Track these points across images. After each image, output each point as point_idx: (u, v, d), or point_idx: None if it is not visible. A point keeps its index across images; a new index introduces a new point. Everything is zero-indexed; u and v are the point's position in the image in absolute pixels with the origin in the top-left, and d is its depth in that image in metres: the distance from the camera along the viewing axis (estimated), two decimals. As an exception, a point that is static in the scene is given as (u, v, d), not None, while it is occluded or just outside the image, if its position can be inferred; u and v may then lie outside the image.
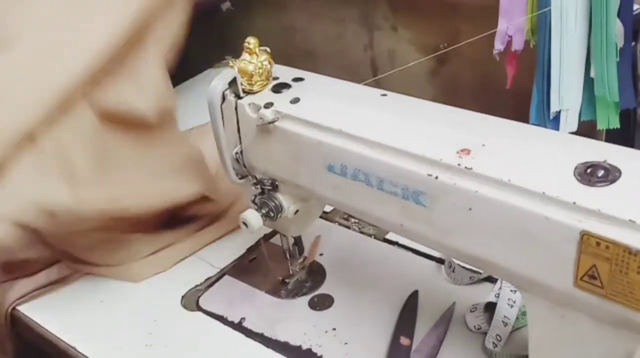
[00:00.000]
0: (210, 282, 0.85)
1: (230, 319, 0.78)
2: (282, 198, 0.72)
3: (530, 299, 0.54)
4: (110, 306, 0.82)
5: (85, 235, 0.80)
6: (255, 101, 0.68)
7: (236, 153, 0.72)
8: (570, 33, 0.79)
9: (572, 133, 0.83)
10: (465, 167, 0.52)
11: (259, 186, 0.73)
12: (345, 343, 0.73)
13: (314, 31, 1.25)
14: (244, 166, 0.73)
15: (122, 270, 0.86)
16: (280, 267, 0.83)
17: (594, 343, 0.51)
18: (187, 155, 0.86)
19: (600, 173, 0.48)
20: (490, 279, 0.78)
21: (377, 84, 0.73)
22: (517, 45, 0.85)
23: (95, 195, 0.77)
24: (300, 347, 0.73)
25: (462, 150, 0.53)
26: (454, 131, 0.57)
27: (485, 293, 0.76)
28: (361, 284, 0.81)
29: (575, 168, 0.49)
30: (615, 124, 0.82)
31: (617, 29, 0.77)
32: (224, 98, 0.69)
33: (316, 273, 0.84)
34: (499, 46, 0.86)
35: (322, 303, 0.79)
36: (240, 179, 0.75)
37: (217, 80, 0.69)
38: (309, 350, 0.73)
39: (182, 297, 0.83)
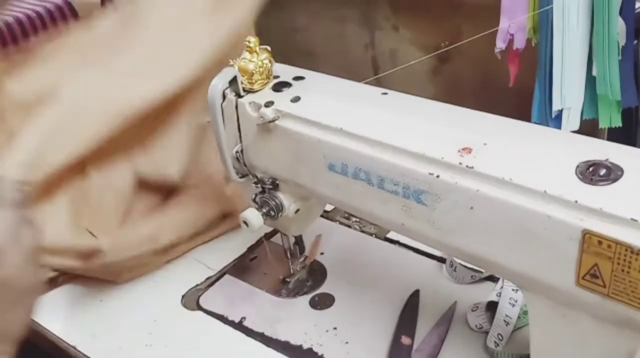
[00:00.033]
0: (211, 282, 0.85)
1: (230, 318, 0.78)
2: (282, 197, 0.72)
3: (532, 298, 0.54)
4: (111, 306, 0.82)
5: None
6: (255, 100, 0.67)
7: (237, 152, 0.72)
8: (572, 31, 0.79)
9: (574, 131, 0.82)
10: (467, 166, 0.52)
11: (259, 185, 0.72)
12: (346, 343, 0.73)
13: (314, 31, 1.24)
14: (245, 165, 0.72)
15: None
16: (281, 266, 0.83)
17: (595, 342, 0.51)
18: (208, 183, 0.90)
19: (602, 172, 0.48)
20: (492, 278, 0.78)
21: (378, 83, 0.73)
22: (519, 43, 0.85)
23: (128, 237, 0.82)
24: (301, 346, 0.73)
25: (463, 149, 0.53)
26: (455, 130, 0.57)
27: (486, 292, 0.76)
28: (362, 283, 0.81)
29: (577, 167, 0.49)
30: (617, 122, 0.82)
31: (619, 27, 0.77)
32: (224, 97, 0.69)
33: (317, 273, 0.84)
34: (500, 45, 0.86)
35: (323, 302, 0.79)
36: (240, 177, 0.75)
37: (217, 79, 0.69)
38: (310, 349, 0.73)
39: (183, 296, 0.83)
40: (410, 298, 0.77)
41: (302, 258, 0.83)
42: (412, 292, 0.78)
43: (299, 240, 0.81)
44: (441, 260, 0.82)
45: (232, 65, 0.68)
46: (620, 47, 0.76)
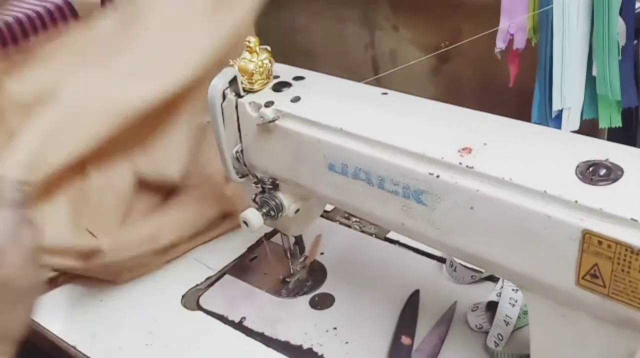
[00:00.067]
0: (211, 281, 0.85)
1: (230, 318, 0.78)
2: (282, 197, 0.72)
3: (532, 298, 0.54)
4: (111, 306, 0.82)
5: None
6: (255, 100, 0.67)
7: (237, 152, 0.72)
8: (572, 31, 0.79)
9: (574, 131, 0.82)
10: (467, 166, 0.52)
11: (259, 185, 0.72)
12: (346, 343, 0.73)
13: (315, 31, 1.24)
14: (245, 165, 0.72)
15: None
16: (281, 266, 0.83)
17: (595, 342, 0.51)
18: (208, 183, 0.90)
19: (602, 172, 0.48)
20: (492, 278, 0.78)
21: (378, 84, 0.73)
22: (519, 43, 0.85)
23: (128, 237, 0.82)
24: (301, 346, 0.73)
25: (463, 149, 0.53)
26: (455, 130, 0.57)
27: (486, 292, 0.76)
28: (362, 283, 0.81)
29: (577, 167, 0.49)
30: (617, 122, 0.82)
31: (619, 27, 0.77)
32: (224, 97, 0.69)
33: (317, 273, 0.84)
34: (500, 45, 0.86)
35: (322, 302, 0.79)
36: (240, 177, 0.75)
37: (217, 79, 0.69)
38: (310, 349, 0.73)
39: (183, 296, 0.83)
40: (410, 298, 0.77)
41: (302, 258, 0.83)
42: (412, 292, 0.78)
43: (299, 240, 0.81)
44: (441, 260, 0.82)
45: (232, 65, 0.68)
46: (620, 47, 0.76)
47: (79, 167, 0.82)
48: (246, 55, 0.68)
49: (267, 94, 0.68)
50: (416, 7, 1.07)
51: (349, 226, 0.92)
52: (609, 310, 0.47)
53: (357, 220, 0.92)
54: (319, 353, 0.72)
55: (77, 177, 0.82)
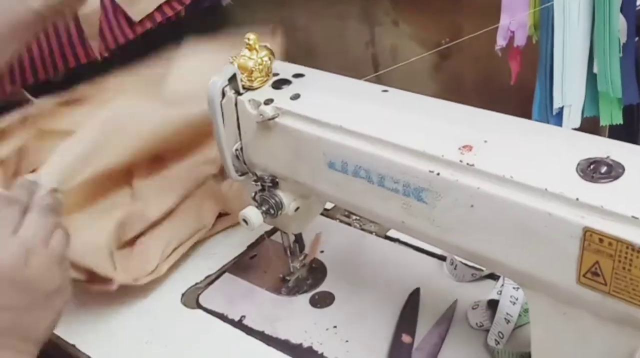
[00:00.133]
0: (211, 280, 0.85)
1: (230, 317, 0.78)
2: (282, 195, 0.72)
3: (533, 296, 0.54)
4: (110, 304, 0.82)
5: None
6: (255, 97, 0.67)
7: (236, 150, 0.71)
8: (573, 28, 0.79)
9: (575, 129, 0.82)
10: (467, 164, 0.52)
11: (259, 183, 0.72)
12: (347, 341, 0.73)
13: (315, 28, 1.24)
14: (244, 163, 0.72)
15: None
16: (281, 264, 0.83)
17: (596, 340, 0.50)
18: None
19: (603, 169, 0.47)
20: (493, 276, 0.78)
21: (378, 80, 0.72)
22: (520, 40, 0.85)
23: None
24: (301, 344, 0.73)
25: (463, 147, 0.53)
26: (456, 127, 0.56)
27: (487, 290, 0.76)
28: (362, 282, 0.81)
29: (578, 164, 0.48)
30: (619, 119, 0.81)
31: (620, 24, 0.76)
32: (223, 94, 0.69)
33: (317, 271, 0.84)
34: (501, 42, 0.85)
35: (323, 300, 0.79)
36: (240, 175, 0.74)
37: (216, 76, 0.68)
38: (310, 347, 0.72)
39: (182, 294, 0.83)
40: (410, 297, 0.77)
41: (302, 257, 0.83)
42: (413, 290, 0.78)
43: (298, 239, 0.81)
44: (442, 258, 0.82)
45: (232, 63, 0.68)
46: (621, 44, 0.76)
47: (129, 192, 0.84)
48: (245, 52, 0.67)
49: (266, 91, 0.68)
50: (416, 2, 1.07)
51: (349, 224, 0.92)
52: (609, 308, 0.47)
53: (357, 218, 0.92)
54: (319, 352, 0.72)
55: (126, 201, 0.83)
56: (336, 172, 0.62)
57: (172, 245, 0.85)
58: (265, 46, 0.68)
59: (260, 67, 0.67)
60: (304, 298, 0.80)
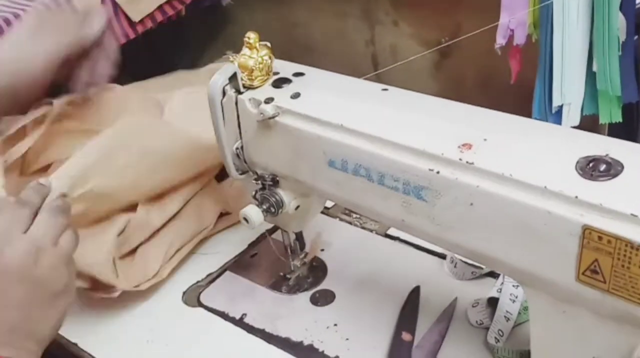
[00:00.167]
0: (212, 278, 0.85)
1: (231, 315, 0.78)
2: (283, 193, 0.72)
3: (532, 294, 0.54)
4: (112, 303, 0.82)
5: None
6: (255, 96, 0.67)
7: (237, 148, 0.72)
8: (573, 27, 0.79)
9: (575, 127, 0.82)
10: (467, 162, 0.52)
11: (259, 182, 0.72)
12: (347, 339, 0.73)
13: (314, 26, 1.24)
14: (245, 161, 0.72)
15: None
16: (282, 262, 0.83)
17: (596, 338, 0.51)
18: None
19: (602, 167, 0.47)
20: (493, 274, 0.78)
21: (378, 80, 0.72)
22: (519, 39, 0.85)
23: None
24: (301, 342, 0.73)
25: (463, 145, 0.53)
26: (455, 126, 0.56)
27: (487, 288, 0.76)
28: (363, 280, 0.81)
29: (577, 162, 0.49)
30: (618, 118, 0.81)
31: (620, 22, 0.76)
32: (224, 93, 0.69)
33: (317, 269, 0.84)
34: (500, 40, 0.85)
35: (323, 298, 0.79)
36: (240, 174, 0.75)
37: (217, 75, 0.69)
38: (311, 345, 0.73)
39: (184, 293, 0.83)
40: (410, 295, 0.77)
41: (303, 255, 0.83)
42: (413, 288, 0.78)
43: (299, 237, 0.81)
44: (442, 256, 0.82)
45: (232, 62, 0.68)
46: (621, 42, 0.76)
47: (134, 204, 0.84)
48: (246, 51, 0.68)
49: (267, 90, 0.68)
50: (416, 1, 1.07)
51: (350, 222, 0.92)
52: (609, 306, 0.47)
53: (358, 216, 0.92)
54: (320, 350, 0.72)
55: (130, 212, 0.84)
56: (336, 170, 0.62)
57: (175, 247, 0.85)
58: (266, 45, 0.69)
59: (261, 66, 0.68)
60: (304, 297, 0.80)
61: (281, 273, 0.83)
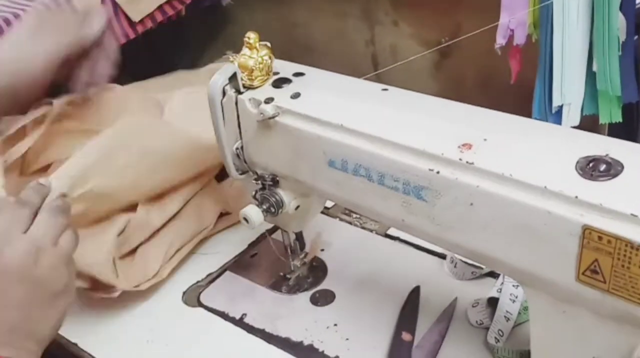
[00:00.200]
0: (212, 278, 0.85)
1: (231, 315, 0.78)
2: (283, 193, 0.72)
3: (532, 294, 0.54)
4: (112, 303, 0.82)
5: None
6: (255, 96, 0.67)
7: (237, 148, 0.72)
8: (572, 27, 0.79)
9: (575, 127, 0.82)
10: (467, 162, 0.52)
11: (259, 181, 0.72)
12: (347, 339, 0.73)
13: (315, 26, 1.24)
14: (245, 161, 0.72)
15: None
16: (282, 262, 0.83)
17: (596, 338, 0.51)
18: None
19: (602, 167, 0.47)
20: (493, 274, 0.78)
21: (378, 80, 0.72)
22: (519, 39, 0.85)
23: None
24: (301, 342, 0.73)
25: (463, 145, 0.53)
26: (455, 126, 0.56)
27: (487, 288, 0.76)
28: (363, 280, 0.81)
29: (577, 162, 0.49)
30: (618, 118, 0.81)
31: (620, 22, 0.76)
32: (224, 93, 0.69)
33: (317, 269, 0.84)
34: (500, 40, 0.85)
35: (323, 298, 0.79)
36: (240, 174, 0.75)
37: (217, 75, 0.69)
38: (311, 345, 0.73)
39: (184, 293, 0.83)
40: (410, 295, 0.77)
41: (303, 255, 0.83)
42: (413, 288, 0.78)
43: (299, 237, 0.81)
44: (442, 256, 0.82)
45: (232, 62, 0.68)
46: (621, 42, 0.76)
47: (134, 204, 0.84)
48: (246, 51, 0.68)
49: (267, 90, 0.68)
50: (416, 1, 1.07)
51: (350, 222, 0.92)
52: (609, 306, 0.47)
53: (358, 216, 0.92)
54: (320, 350, 0.72)
55: (130, 212, 0.84)
56: (336, 170, 0.62)
57: (175, 247, 0.85)
58: (266, 45, 0.69)
59: (261, 66, 0.68)
60: (304, 297, 0.80)
61: (281, 273, 0.83)
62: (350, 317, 0.76)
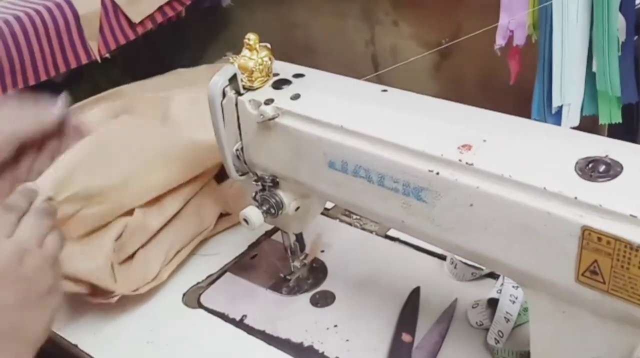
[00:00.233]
0: (212, 279, 0.85)
1: (231, 316, 0.78)
2: (283, 195, 0.72)
3: (532, 295, 0.54)
4: (112, 304, 0.82)
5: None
6: (255, 97, 0.67)
7: (237, 150, 0.72)
8: (572, 27, 0.79)
9: (575, 128, 0.82)
10: (467, 163, 0.52)
11: (259, 183, 0.72)
12: (347, 340, 0.73)
13: (314, 26, 1.24)
14: (245, 163, 0.72)
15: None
16: (282, 263, 0.83)
17: (595, 338, 0.51)
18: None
19: (602, 168, 0.48)
20: (493, 275, 0.78)
21: (378, 80, 0.72)
22: (519, 40, 0.85)
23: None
24: (301, 343, 0.73)
25: (463, 146, 0.53)
26: (455, 127, 0.57)
27: (487, 289, 0.76)
28: (363, 281, 0.81)
29: (577, 163, 0.49)
30: (617, 118, 0.81)
31: (619, 23, 0.76)
32: (224, 94, 0.69)
33: (318, 270, 0.84)
34: (500, 41, 0.85)
35: (323, 300, 0.79)
36: (241, 175, 0.75)
37: (217, 76, 0.69)
38: (311, 346, 0.73)
39: (184, 294, 0.83)
40: (410, 296, 0.77)
41: (303, 256, 0.83)
42: (413, 289, 0.78)
43: (299, 238, 0.81)
44: (442, 257, 0.82)
45: (232, 63, 0.68)
46: (620, 42, 0.76)
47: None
48: (246, 52, 0.68)
49: (267, 91, 0.68)
50: (416, 2, 1.07)
51: (350, 224, 0.92)
52: (608, 307, 0.47)
53: (358, 217, 0.92)
54: (320, 351, 0.72)
55: (128, 216, 0.83)
56: (336, 171, 0.62)
57: (175, 249, 0.85)
58: (266, 46, 0.69)
59: (261, 67, 0.68)
60: (304, 298, 0.80)
61: (281, 275, 0.83)
62: (351, 318, 0.76)
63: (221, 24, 1.36)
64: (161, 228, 0.84)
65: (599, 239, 0.45)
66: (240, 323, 0.77)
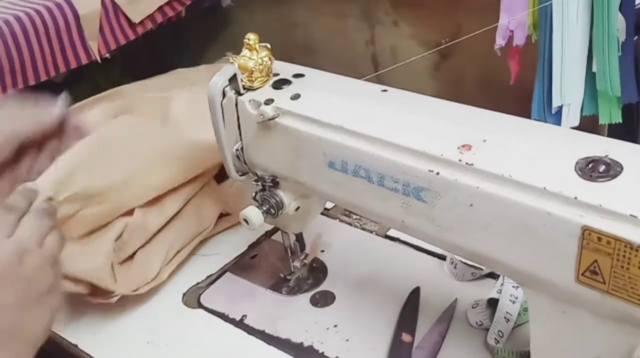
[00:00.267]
0: (212, 279, 0.85)
1: (231, 316, 0.78)
2: (283, 195, 0.72)
3: (532, 295, 0.54)
4: (112, 304, 0.82)
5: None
6: (255, 97, 0.67)
7: (237, 150, 0.72)
8: (572, 27, 0.79)
9: (575, 128, 0.82)
10: (466, 163, 0.52)
11: (259, 183, 0.72)
12: (347, 340, 0.73)
13: (314, 26, 1.24)
14: (245, 163, 0.72)
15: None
16: (282, 263, 0.83)
17: (595, 338, 0.51)
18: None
19: (602, 168, 0.47)
20: (492, 275, 0.78)
21: (378, 80, 0.72)
22: (519, 40, 0.85)
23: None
24: (301, 343, 0.73)
25: (463, 146, 0.53)
26: (455, 127, 0.56)
27: (487, 289, 0.76)
28: (363, 281, 0.81)
29: (577, 163, 0.49)
30: (618, 118, 0.81)
31: (619, 23, 0.76)
32: (224, 94, 0.69)
33: (318, 270, 0.84)
34: (500, 41, 0.85)
35: (323, 300, 0.79)
36: (241, 175, 0.75)
37: (217, 76, 0.69)
38: (311, 346, 0.73)
39: (184, 294, 0.83)
40: (410, 296, 0.77)
41: (303, 256, 0.83)
42: (413, 289, 0.78)
43: (299, 238, 0.81)
44: (442, 257, 0.82)
45: (232, 63, 0.68)
46: (620, 42, 0.76)
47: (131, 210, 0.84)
48: (246, 52, 0.68)
49: (267, 91, 0.68)
50: (416, 2, 1.07)
51: (350, 224, 0.92)
52: (608, 307, 0.47)
53: (358, 217, 0.92)
54: (320, 351, 0.72)
55: (128, 216, 0.83)
56: (336, 171, 0.62)
57: (175, 249, 0.85)
58: (266, 46, 0.69)
59: (261, 67, 0.68)
60: (304, 298, 0.80)
61: (281, 275, 0.83)
62: (351, 318, 0.76)
63: (221, 24, 1.36)
64: (161, 228, 0.84)
65: (599, 239, 0.45)
66: (240, 323, 0.77)
